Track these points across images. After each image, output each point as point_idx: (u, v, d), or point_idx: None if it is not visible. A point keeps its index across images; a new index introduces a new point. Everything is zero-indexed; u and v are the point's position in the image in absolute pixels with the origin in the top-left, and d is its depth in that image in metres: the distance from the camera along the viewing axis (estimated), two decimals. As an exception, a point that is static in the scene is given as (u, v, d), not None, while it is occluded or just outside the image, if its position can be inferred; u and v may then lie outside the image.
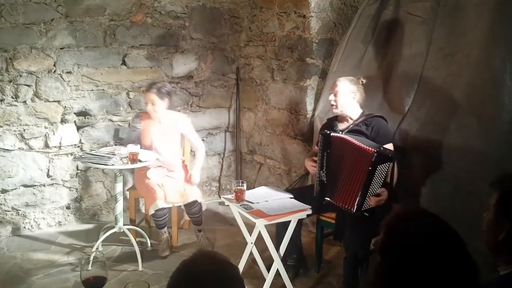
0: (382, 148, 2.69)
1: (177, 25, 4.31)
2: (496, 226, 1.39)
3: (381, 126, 2.92)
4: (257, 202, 2.88)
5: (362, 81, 3.03)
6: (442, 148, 2.87)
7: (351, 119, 3.02)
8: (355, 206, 2.71)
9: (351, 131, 2.95)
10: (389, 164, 2.68)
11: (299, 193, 3.06)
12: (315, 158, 2.99)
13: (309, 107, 3.95)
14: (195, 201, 3.49)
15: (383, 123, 2.96)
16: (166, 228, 3.53)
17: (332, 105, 3.00)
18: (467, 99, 2.83)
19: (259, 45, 4.42)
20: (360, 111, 3.02)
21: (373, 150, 2.64)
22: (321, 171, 2.89)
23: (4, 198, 3.72)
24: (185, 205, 3.51)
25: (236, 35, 4.64)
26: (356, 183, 2.72)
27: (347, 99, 2.97)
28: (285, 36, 4.09)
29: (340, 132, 2.95)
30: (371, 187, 2.68)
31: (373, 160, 2.62)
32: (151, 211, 3.38)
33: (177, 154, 3.68)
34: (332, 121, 3.15)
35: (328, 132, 2.90)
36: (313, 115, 3.90)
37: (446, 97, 2.96)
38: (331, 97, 3.00)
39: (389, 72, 3.37)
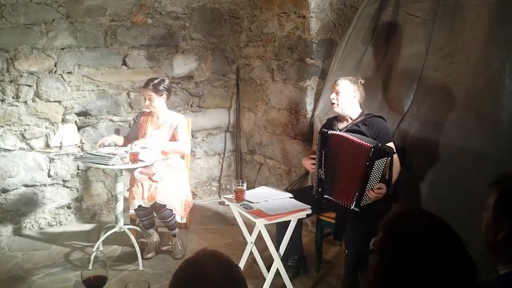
0: (379, 144, 2.71)
1: (178, 25, 4.31)
2: (495, 226, 1.39)
3: (381, 126, 2.94)
4: (257, 202, 2.88)
5: (360, 81, 3.05)
6: (442, 148, 2.87)
7: (351, 118, 3.04)
8: (354, 202, 2.74)
9: (350, 131, 2.96)
10: (386, 159, 2.70)
11: (299, 193, 3.07)
12: (313, 156, 3.01)
13: (309, 107, 3.96)
14: (163, 206, 3.29)
15: (383, 123, 2.97)
16: (155, 228, 3.50)
17: (333, 103, 3.02)
18: (467, 99, 2.83)
19: (259, 46, 4.42)
20: (360, 111, 3.04)
21: (370, 145, 2.68)
22: (320, 169, 2.92)
23: (5, 198, 3.73)
24: (153, 207, 3.34)
25: (236, 36, 4.64)
26: (354, 179, 2.75)
27: (349, 97, 2.99)
28: (285, 37, 4.10)
29: (338, 131, 2.97)
30: (369, 182, 2.70)
31: (370, 155, 2.66)
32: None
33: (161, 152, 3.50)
34: (332, 121, 3.17)
35: (325, 130, 2.93)
36: (313, 115, 3.90)
37: (446, 97, 2.96)
38: (333, 95, 3.01)
39: (389, 72, 3.38)
